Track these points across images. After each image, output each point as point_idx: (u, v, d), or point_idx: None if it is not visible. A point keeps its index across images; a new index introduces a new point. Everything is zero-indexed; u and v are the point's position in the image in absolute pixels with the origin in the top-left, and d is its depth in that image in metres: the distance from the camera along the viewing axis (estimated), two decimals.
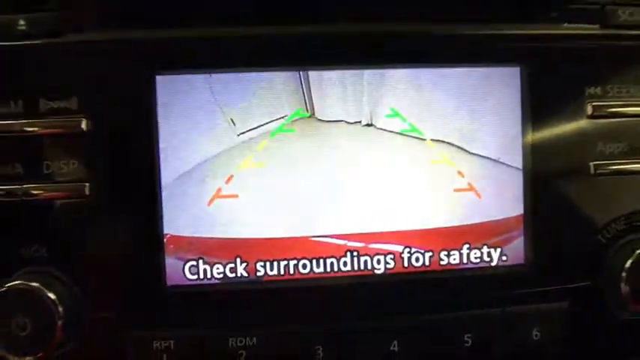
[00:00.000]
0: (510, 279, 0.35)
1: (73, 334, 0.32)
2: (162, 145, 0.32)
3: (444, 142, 0.35)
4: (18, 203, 0.32)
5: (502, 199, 0.35)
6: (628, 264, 0.35)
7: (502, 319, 0.35)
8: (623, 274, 0.35)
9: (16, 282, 0.31)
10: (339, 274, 0.34)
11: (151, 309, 0.33)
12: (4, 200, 0.32)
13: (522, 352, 0.35)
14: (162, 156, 0.33)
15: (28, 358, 0.31)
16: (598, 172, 0.36)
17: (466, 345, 0.34)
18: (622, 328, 0.37)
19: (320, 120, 0.34)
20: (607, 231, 0.36)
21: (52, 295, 0.31)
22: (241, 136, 0.33)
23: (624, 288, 0.35)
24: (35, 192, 0.32)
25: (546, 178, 0.36)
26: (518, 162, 0.35)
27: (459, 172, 0.35)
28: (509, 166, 0.35)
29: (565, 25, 0.36)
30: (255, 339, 0.33)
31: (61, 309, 0.31)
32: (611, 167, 0.36)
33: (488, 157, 0.35)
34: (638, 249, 0.35)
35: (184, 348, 0.32)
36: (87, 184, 0.32)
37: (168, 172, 0.32)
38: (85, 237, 0.33)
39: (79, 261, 0.32)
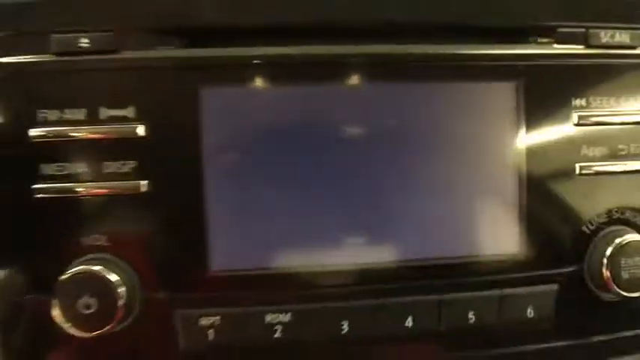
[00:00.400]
0: (507, 265, 0.40)
1: (131, 312, 0.36)
2: (206, 148, 0.36)
3: (449, 146, 0.39)
4: (81, 199, 0.36)
5: (500, 196, 0.40)
6: (608, 252, 0.39)
7: (501, 299, 0.39)
8: (604, 261, 0.39)
9: (81, 267, 0.35)
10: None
11: (198, 290, 0.37)
12: (68, 196, 0.36)
13: (519, 326, 0.40)
14: (205, 158, 0.36)
15: (92, 333, 0.35)
16: (583, 172, 0.40)
17: (470, 321, 0.38)
18: (603, 307, 0.41)
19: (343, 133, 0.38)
20: (590, 223, 0.41)
21: (112, 278, 0.35)
22: None
23: (605, 273, 0.39)
24: (96, 189, 0.36)
25: (538, 177, 0.40)
26: (515, 164, 0.40)
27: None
28: (506, 167, 0.40)
29: (554, 45, 0.40)
30: (288, 316, 0.37)
31: (120, 290, 0.35)
32: (594, 168, 0.41)
33: (487, 160, 0.40)
34: (617, 239, 0.39)
35: (227, 324, 0.36)
36: (141, 182, 0.36)
37: (212, 174, 0.37)
38: (140, 227, 0.36)
39: (135, 248, 0.36)
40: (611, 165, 0.41)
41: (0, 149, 0.36)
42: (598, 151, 0.41)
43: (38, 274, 0.36)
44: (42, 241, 0.36)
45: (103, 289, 0.34)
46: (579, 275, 0.41)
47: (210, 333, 0.37)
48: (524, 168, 0.40)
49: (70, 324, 0.35)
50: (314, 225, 0.38)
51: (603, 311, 0.41)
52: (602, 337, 0.42)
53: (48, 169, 0.36)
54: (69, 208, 0.36)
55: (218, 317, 0.36)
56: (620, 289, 0.39)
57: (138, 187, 0.36)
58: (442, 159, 0.39)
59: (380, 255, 0.38)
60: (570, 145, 0.40)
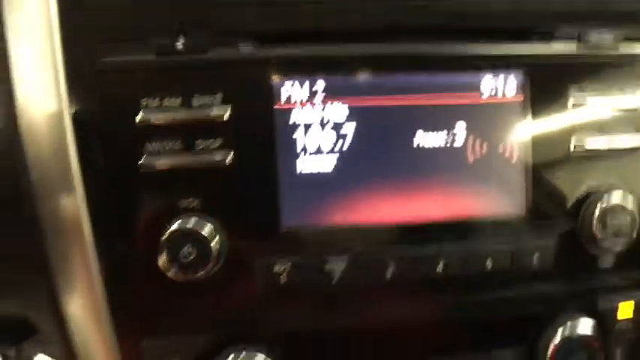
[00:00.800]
0: (517, 223, 0.48)
1: (220, 259, 0.44)
2: (278, 127, 0.45)
3: (473, 127, 0.47)
4: (178, 170, 0.44)
5: (511, 168, 0.48)
6: (597, 213, 0.48)
7: (512, 250, 0.48)
8: (594, 220, 0.48)
9: (181, 223, 0.43)
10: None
11: (272, 243, 0.45)
12: (169, 168, 0.43)
13: (526, 273, 0.48)
14: (278, 135, 0.45)
15: (190, 278, 0.43)
16: (576, 148, 0.48)
17: (488, 267, 0.47)
18: (593, 258, 0.50)
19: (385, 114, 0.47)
20: (583, 190, 0.49)
21: (205, 233, 0.43)
22: None
23: (595, 230, 0.48)
24: (190, 162, 0.44)
25: (540, 153, 0.48)
26: (522, 143, 0.48)
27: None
28: (515, 145, 0.48)
29: (553, 44, 0.49)
30: (345, 262, 0.45)
31: (212, 242, 0.43)
32: (585, 145, 0.48)
33: (501, 139, 0.48)
34: (604, 202, 0.48)
35: (296, 270, 0.45)
36: (226, 156, 0.44)
37: (283, 149, 0.45)
38: (226, 192, 0.44)
39: (221, 209, 0.44)
40: (600, 143, 0.49)
41: (112, 132, 0.44)
42: (589, 131, 0.49)
43: (145, 231, 0.44)
44: (147, 205, 0.44)
45: (199, 241, 0.43)
46: (574, 232, 0.49)
47: (282, 278, 0.45)
48: (529, 145, 0.48)
49: (173, 270, 0.43)
50: (365, 189, 0.46)
51: (591, 262, 0.50)
52: (591, 282, 0.51)
53: (151, 147, 0.44)
54: (168, 178, 0.44)
55: (288, 265, 0.45)
56: (606, 242, 0.48)
57: (224, 160, 0.44)
58: (467, 139, 0.47)
59: (417, 214, 0.47)
60: (566, 126, 0.49)
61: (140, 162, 0.44)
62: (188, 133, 0.44)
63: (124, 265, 0.45)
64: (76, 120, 0.44)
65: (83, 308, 0.47)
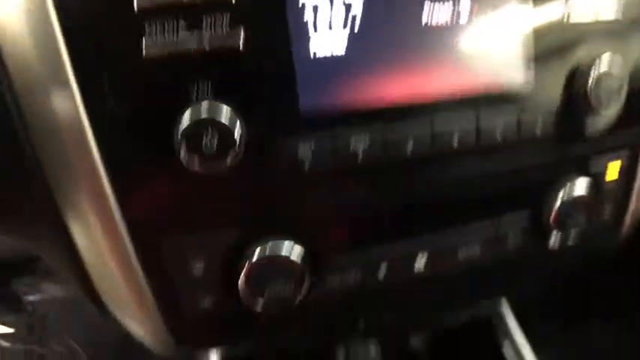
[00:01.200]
0: (521, 94, 0.49)
1: (241, 148, 0.42)
2: (289, 4, 0.42)
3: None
4: (186, 55, 0.40)
5: (514, 41, 0.49)
6: (590, 81, 0.50)
7: (519, 121, 0.49)
8: (588, 88, 0.50)
9: (197, 112, 0.40)
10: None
11: (294, 127, 0.43)
12: (175, 53, 0.40)
13: (531, 142, 0.51)
14: (289, 14, 0.42)
15: (215, 167, 0.41)
16: (571, 21, 0.50)
17: (498, 139, 0.49)
18: (589, 124, 0.53)
19: None
20: (578, 61, 0.51)
21: (225, 120, 0.40)
22: None
23: (589, 96, 0.50)
24: (198, 45, 0.40)
25: (540, 26, 0.49)
26: (523, 16, 0.48)
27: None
28: (516, 19, 0.49)
29: None
30: (367, 143, 0.45)
31: (234, 129, 0.41)
32: (578, 17, 0.50)
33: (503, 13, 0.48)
34: (596, 70, 0.50)
35: (320, 152, 0.44)
36: (238, 38, 0.40)
37: (297, 28, 0.42)
38: (240, 76, 0.42)
39: (238, 93, 0.41)
40: (590, 14, 0.50)
41: (106, 15, 0.39)
42: (581, 3, 0.50)
43: (154, 124, 0.41)
44: (153, 96, 0.41)
45: (221, 129, 0.40)
46: (571, 100, 0.51)
47: (306, 162, 0.44)
48: (530, 20, 0.49)
49: (195, 162, 0.40)
50: (380, 68, 0.45)
51: (589, 127, 0.53)
52: (587, 146, 0.55)
53: (153, 30, 0.39)
54: (176, 64, 0.40)
55: (312, 148, 0.44)
56: (600, 107, 0.51)
57: (235, 42, 0.41)
58: (471, 15, 0.47)
59: (429, 91, 0.47)
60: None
61: (142, 48, 0.39)
62: (193, 14, 0.40)
63: (132, 163, 0.42)
64: (63, 8, 0.39)
65: (92, 218, 0.44)
